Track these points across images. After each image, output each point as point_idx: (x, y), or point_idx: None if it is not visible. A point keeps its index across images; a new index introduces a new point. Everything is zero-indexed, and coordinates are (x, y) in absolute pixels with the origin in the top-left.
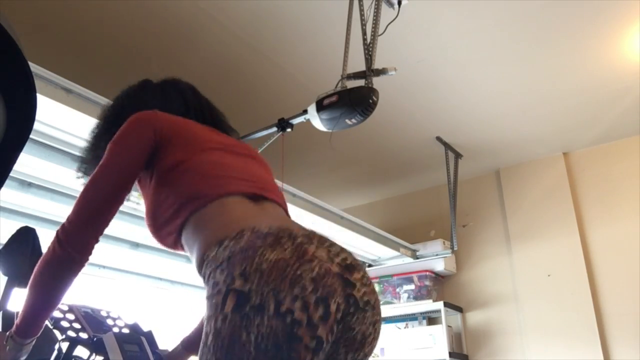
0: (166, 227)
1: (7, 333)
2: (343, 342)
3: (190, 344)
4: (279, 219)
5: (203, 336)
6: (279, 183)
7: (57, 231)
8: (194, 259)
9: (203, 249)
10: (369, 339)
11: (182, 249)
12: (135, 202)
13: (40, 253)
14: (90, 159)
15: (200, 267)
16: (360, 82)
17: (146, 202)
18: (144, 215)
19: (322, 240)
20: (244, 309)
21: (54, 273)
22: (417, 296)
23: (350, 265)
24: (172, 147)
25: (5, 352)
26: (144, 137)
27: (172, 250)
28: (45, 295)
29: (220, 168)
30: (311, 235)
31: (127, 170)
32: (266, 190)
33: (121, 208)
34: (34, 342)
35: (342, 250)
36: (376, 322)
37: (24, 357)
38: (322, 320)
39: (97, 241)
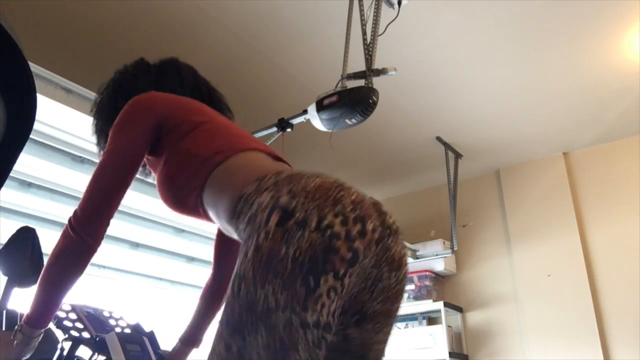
0: (187, 187)
1: (16, 327)
2: (385, 261)
3: (188, 339)
4: None
5: (242, 250)
6: None
7: (69, 219)
8: (224, 206)
9: (239, 190)
10: (404, 259)
11: (202, 210)
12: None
13: (41, 253)
14: (97, 133)
15: (235, 206)
16: (360, 82)
17: (161, 173)
18: (143, 215)
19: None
20: (287, 224)
21: (66, 260)
22: (417, 296)
23: (378, 202)
24: (181, 117)
25: (11, 348)
26: (144, 119)
27: (188, 216)
28: (58, 284)
29: (235, 131)
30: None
31: (131, 153)
32: (279, 155)
33: (121, 208)
34: (40, 337)
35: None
36: (405, 247)
37: (30, 354)
38: (360, 235)
39: (107, 226)
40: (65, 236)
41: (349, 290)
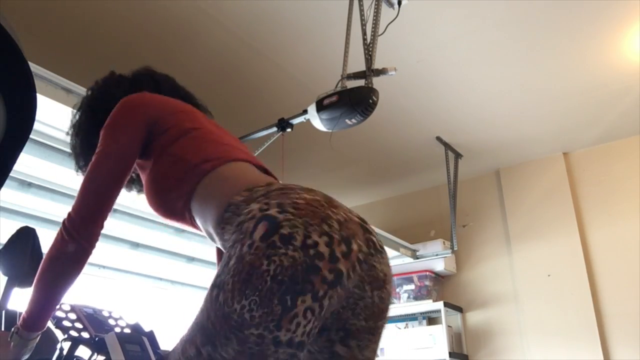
0: (175, 192)
1: (12, 329)
2: (368, 280)
3: None
4: None
5: (225, 257)
6: None
7: (64, 221)
8: (211, 213)
9: (227, 198)
10: (388, 278)
11: (188, 216)
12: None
13: (40, 253)
14: (78, 152)
15: (222, 214)
16: (360, 82)
17: (149, 176)
18: (143, 215)
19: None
20: (272, 238)
21: (61, 263)
22: (417, 296)
23: (364, 220)
24: (172, 121)
25: (9, 350)
26: (136, 119)
27: (173, 222)
28: (53, 287)
29: (225, 139)
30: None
31: (124, 154)
32: (267, 168)
33: (121, 208)
34: (38, 338)
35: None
36: (389, 265)
37: (28, 355)
38: (344, 256)
39: (102, 228)
40: (59, 239)
41: (329, 310)
